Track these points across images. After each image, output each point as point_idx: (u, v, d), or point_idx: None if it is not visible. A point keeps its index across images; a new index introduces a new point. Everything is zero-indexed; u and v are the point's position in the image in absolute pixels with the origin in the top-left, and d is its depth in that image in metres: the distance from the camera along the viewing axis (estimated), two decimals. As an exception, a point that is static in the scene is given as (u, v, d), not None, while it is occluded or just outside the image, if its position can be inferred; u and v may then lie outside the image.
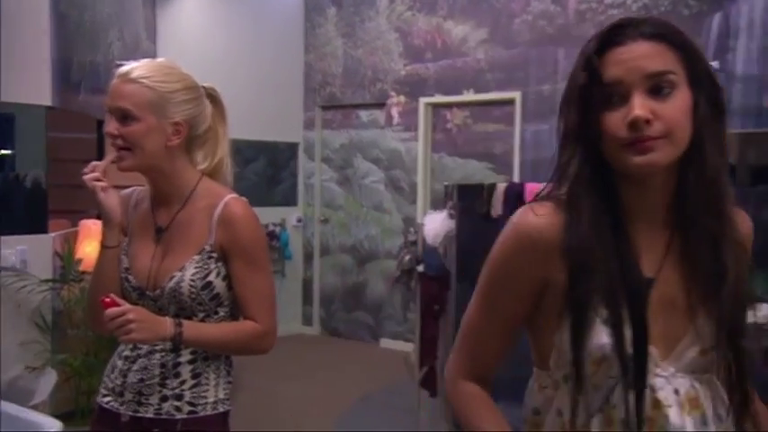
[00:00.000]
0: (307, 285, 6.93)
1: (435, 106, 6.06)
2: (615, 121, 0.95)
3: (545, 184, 1.06)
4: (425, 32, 6.05)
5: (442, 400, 3.76)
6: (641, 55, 0.95)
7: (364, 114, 6.58)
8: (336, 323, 6.76)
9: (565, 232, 1.00)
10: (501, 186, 3.62)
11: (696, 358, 1.01)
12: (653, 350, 1.00)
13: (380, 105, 6.38)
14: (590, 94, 0.97)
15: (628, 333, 0.98)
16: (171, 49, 5.59)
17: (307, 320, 6.92)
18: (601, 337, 0.98)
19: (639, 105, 0.93)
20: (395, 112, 6.27)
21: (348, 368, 5.67)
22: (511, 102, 5.52)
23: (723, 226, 1.00)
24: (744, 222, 1.08)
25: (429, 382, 3.70)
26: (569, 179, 1.01)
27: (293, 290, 6.86)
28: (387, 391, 4.79)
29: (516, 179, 5.28)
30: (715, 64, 4.48)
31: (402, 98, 6.20)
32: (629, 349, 0.97)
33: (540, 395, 1.09)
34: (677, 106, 0.95)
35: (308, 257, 6.92)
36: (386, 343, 6.26)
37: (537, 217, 1.03)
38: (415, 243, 3.68)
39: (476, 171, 5.78)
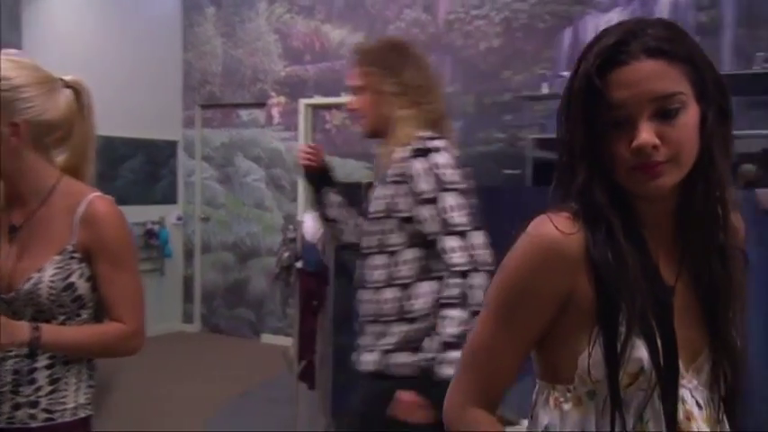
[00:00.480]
0: (187, 283, 6.74)
1: (315, 107, 6.06)
2: (622, 144, 0.89)
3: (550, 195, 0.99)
4: (304, 35, 6.03)
5: (320, 392, 3.77)
6: (646, 77, 0.88)
7: (244, 114, 6.48)
8: (218, 320, 6.61)
9: (591, 247, 0.93)
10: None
11: (710, 371, 0.98)
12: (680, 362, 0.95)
13: (261, 105, 6.30)
14: (595, 114, 0.90)
15: (659, 344, 0.92)
16: (38, 41, 5.21)
17: (187, 318, 6.73)
18: (638, 350, 0.91)
19: (646, 131, 0.87)
20: (275, 112, 6.21)
21: (229, 364, 5.57)
22: (386, 104, 5.60)
23: (728, 236, 0.96)
24: (740, 224, 1.03)
25: (307, 375, 3.69)
26: (581, 194, 0.94)
27: (173, 288, 6.64)
28: (266, 385, 4.75)
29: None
30: (567, 74, 4.74)
31: (282, 99, 6.15)
32: (662, 361, 0.92)
33: (557, 411, 0.98)
34: (685, 127, 0.89)
35: (189, 255, 6.73)
36: (267, 338, 6.21)
37: (566, 228, 0.94)
38: (294, 240, 3.67)
39: (355, 170, 5.81)
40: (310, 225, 3.64)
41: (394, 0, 5.60)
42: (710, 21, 4.41)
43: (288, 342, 4.09)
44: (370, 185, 3.60)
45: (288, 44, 6.11)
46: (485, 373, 1.01)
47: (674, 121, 0.88)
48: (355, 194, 3.63)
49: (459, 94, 5.29)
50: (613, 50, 0.89)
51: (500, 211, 3.44)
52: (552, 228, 0.93)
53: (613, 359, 0.91)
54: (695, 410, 0.96)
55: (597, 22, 4.79)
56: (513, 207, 3.43)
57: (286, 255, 3.69)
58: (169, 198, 6.64)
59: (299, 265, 3.61)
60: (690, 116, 0.89)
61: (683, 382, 0.95)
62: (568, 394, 0.97)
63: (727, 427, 1.00)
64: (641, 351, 0.91)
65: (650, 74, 0.88)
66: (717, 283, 0.96)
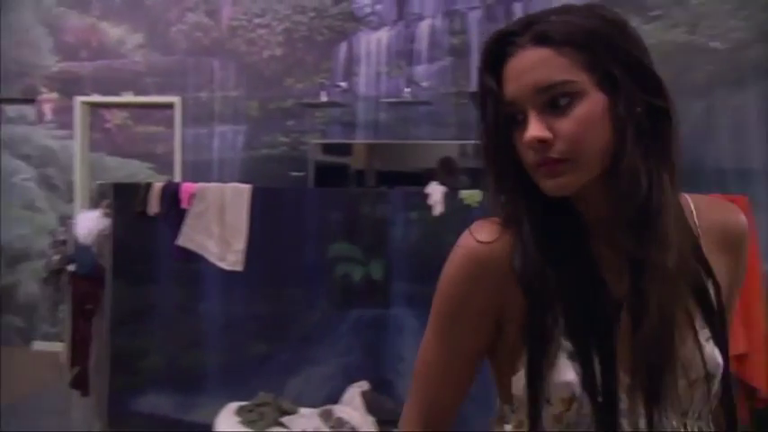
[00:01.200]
0: (-54, 291, 5.88)
1: (93, 105, 5.59)
2: (521, 142, 0.77)
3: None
4: (79, 30, 5.53)
5: (95, 398, 3.49)
6: (529, 66, 0.75)
7: (11, 109, 5.78)
8: (-17, 329, 5.84)
9: (513, 257, 0.80)
10: (158, 185, 3.48)
11: (682, 394, 0.79)
12: (626, 383, 0.79)
13: (30, 101, 5.67)
14: (495, 112, 0.79)
15: (597, 367, 0.77)
16: None
17: (-54, 328, 5.87)
18: (566, 373, 0.77)
19: (533, 125, 0.74)
20: (47, 108, 5.62)
21: (-3, 375, 4.95)
22: (170, 105, 5.35)
23: (666, 249, 0.76)
24: (729, 221, 0.83)
25: (81, 382, 3.40)
26: (493, 199, 0.83)
27: (-72, 296, 5.75)
28: (37, 396, 4.29)
29: (178, 179, 5.16)
30: (344, 84, 4.89)
31: (55, 95, 5.59)
32: (599, 385, 0.77)
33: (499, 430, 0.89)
34: (580, 120, 0.74)
35: (-52, 261, 5.86)
36: (39, 345, 5.60)
37: (484, 236, 0.82)
38: (64, 242, 3.35)
39: (138, 171, 5.47)
40: (84, 226, 3.35)
41: (176, 2, 5.34)
42: (461, 44, 4.78)
43: (61, 348, 3.73)
44: (149, 186, 3.45)
45: (60, 39, 5.56)
46: (430, 395, 0.89)
47: (566, 113, 0.74)
48: (134, 194, 3.44)
49: (243, 98, 5.20)
50: (504, 42, 0.78)
51: (283, 211, 3.49)
52: (472, 238, 0.83)
53: (534, 382, 0.79)
54: None
55: (369, 38, 4.98)
56: (297, 207, 3.50)
57: (56, 258, 3.35)
58: (-77, 199, 5.74)
59: (71, 268, 3.31)
60: (587, 107, 0.74)
61: (633, 404, 0.79)
62: (511, 415, 0.86)
63: None
64: (569, 374, 0.78)
65: (534, 63, 0.75)
66: (658, 300, 0.77)
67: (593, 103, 0.74)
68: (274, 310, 3.35)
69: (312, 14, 5.06)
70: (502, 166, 0.81)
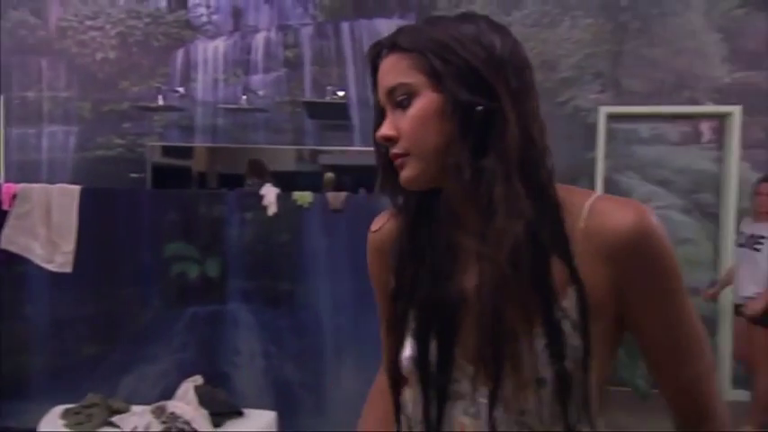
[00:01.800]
0: None
1: None
2: None
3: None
4: None
5: None
6: (384, 71, 0.77)
7: None
8: None
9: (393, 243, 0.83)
10: (-24, 187, 3.13)
11: (513, 394, 0.74)
12: (471, 373, 0.76)
13: None
14: (375, 113, 0.81)
15: (433, 349, 0.77)
16: None
17: None
18: (408, 349, 0.79)
19: (384, 124, 0.77)
20: None
21: None
22: (-6, 104, 4.81)
23: (511, 233, 0.72)
24: (617, 226, 0.74)
25: None
26: (380, 189, 0.83)
27: None
28: None
29: (2, 180, 4.66)
30: (182, 90, 4.69)
31: None
32: (434, 366, 0.77)
33: None
34: (414, 118, 0.75)
35: None
36: None
37: (375, 226, 0.89)
38: None
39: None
40: None
41: (-3, -1, 4.82)
42: (294, 57, 4.79)
43: None
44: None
45: None
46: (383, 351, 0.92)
47: (405, 112, 0.76)
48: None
49: (75, 100, 4.81)
50: (374, 51, 0.80)
51: (116, 212, 3.28)
52: (372, 227, 0.91)
53: (392, 356, 0.82)
54: (472, 422, 0.77)
55: (206, 46, 4.83)
56: (132, 208, 3.30)
57: None
58: None
59: None
60: (419, 106, 0.75)
61: (473, 394, 0.77)
62: None
63: None
64: (408, 351, 0.80)
65: (386, 68, 0.77)
66: (487, 293, 0.74)
67: (426, 103, 0.74)
68: (106, 311, 3.15)
69: (148, 20, 4.81)
70: (382, 162, 0.81)
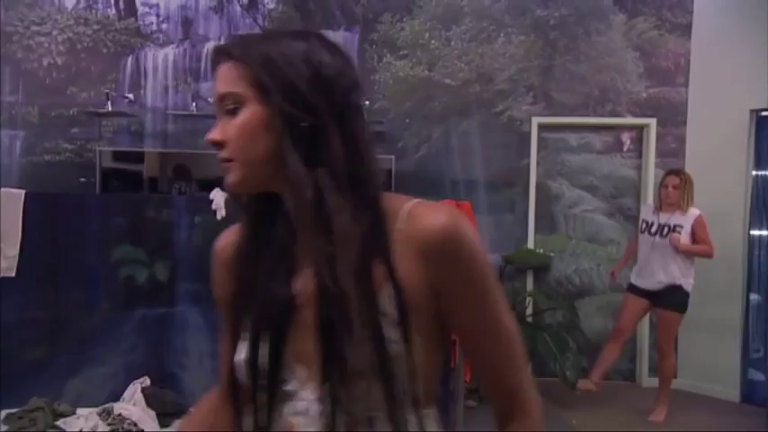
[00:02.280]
0: None
1: None
2: None
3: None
4: None
5: None
6: (217, 77, 0.76)
7: None
8: None
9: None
10: None
11: (341, 385, 0.73)
12: (301, 374, 0.76)
13: None
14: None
15: (264, 352, 0.76)
16: None
17: None
18: (241, 352, 0.78)
19: (214, 128, 0.76)
20: None
21: None
22: (-65, 108, 4.51)
23: (332, 242, 0.73)
24: (428, 228, 0.75)
25: None
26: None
27: None
28: None
29: (-57, 184, 4.37)
30: (131, 96, 4.52)
31: None
32: (264, 368, 0.76)
33: None
34: (239, 126, 0.74)
35: None
36: None
37: (221, 240, 0.87)
38: None
39: None
40: None
41: (-60, 1, 4.54)
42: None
43: None
44: None
45: None
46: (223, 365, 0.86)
47: (232, 120, 0.75)
48: None
49: (21, 104, 4.57)
50: (214, 57, 0.79)
51: (63, 216, 3.12)
52: (219, 238, 0.88)
53: (228, 360, 0.81)
54: (302, 421, 0.77)
55: (155, 54, 4.68)
56: (79, 212, 3.15)
57: None
58: None
59: None
60: (246, 117, 0.74)
61: (302, 393, 0.77)
62: None
63: None
64: (242, 354, 0.79)
65: (219, 75, 0.77)
66: (319, 296, 0.74)
67: (251, 114, 0.74)
68: (52, 315, 2.98)
69: (96, 27, 4.62)
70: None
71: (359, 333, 0.71)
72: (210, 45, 4.68)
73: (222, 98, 0.76)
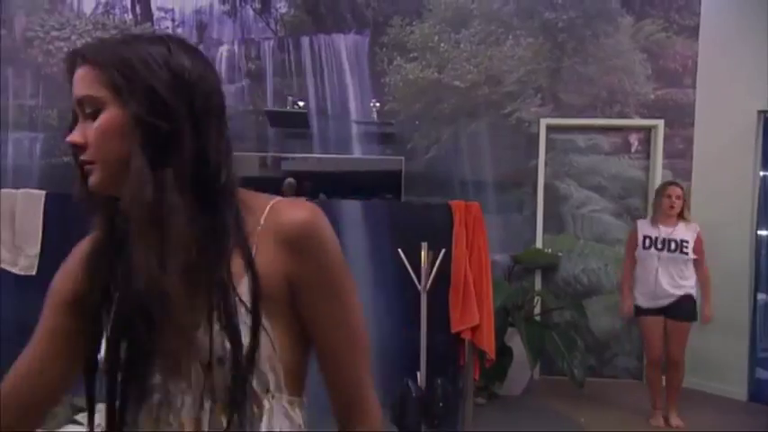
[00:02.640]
0: None
1: None
2: None
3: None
4: None
5: None
6: (77, 80, 0.75)
7: None
8: None
9: None
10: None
11: (201, 373, 0.75)
12: (159, 365, 0.76)
13: None
14: (71, 120, 0.77)
15: (123, 345, 0.75)
16: None
17: None
18: (102, 350, 0.78)
19: (75, 131, 0.75)
20: None
21: None
22: (-42, 111, 4.58)
23: (165, 241, 0.73)
24: (288, 222, 0.78)
25: None
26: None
27: None
28: None
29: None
30: None
31: None
32: (123, 362, 0.75)
33: None
34: (98, 129, 0.74)
35: None
36: None
37: (76, 248, 0.85)
38: None
39: None
40: None
41: (-37, 8, 4.61)
42: (257, 69, 4.72)
43: None
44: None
45: None
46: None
47: (93, 123, 0.75)
48: None
49: (42, 108, 4.62)
50: (70, 60, 0.77)
51: (81, 216, 3.15)
52: (84, 240, 0.85)
53: (88, 358, 0.79)
54: (173, 416, 0.77)
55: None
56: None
57: None
58: None
59: None
60: (104, 119, 0.74)
61: (167, 384, 0.77)
62: None
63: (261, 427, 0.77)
64: (101, 351, 0.79)
65: (77, 78, 0.75)
66: (168, 289, 0.74)
67: (109, 117, 0.74)
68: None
69: (114, 32, 4.65)
70: (75, 164, 0.78)
71: (215, 320, 0.73)
72: (224, 48, 4.72)
73: (80, 101, 0.75)
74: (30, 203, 2.98)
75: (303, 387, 0.82)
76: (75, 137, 0.75)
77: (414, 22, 4.71)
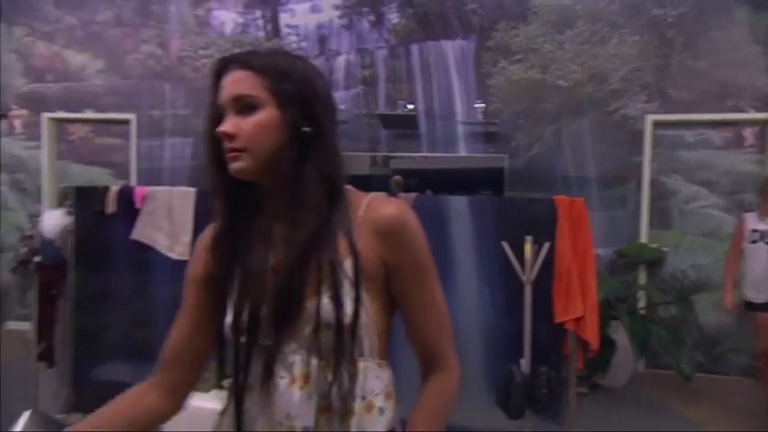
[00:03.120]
0: None
1: (58, 120, 5.24)
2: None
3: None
4: (45, 57, 5.18)
5: (60, 369, 3.30)
6: (232, 81, 0.83)
7: (-17, 123, 5.34)
8: (-42, 313, 5.37)
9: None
10: (114, 188, 3.31)
11: (310, 336, 0.82)
12: (274, 328, 0.83)
13: (2, 116, 5.24)
14: (211, 113, 0.87)
15: (245, 313, 0.83)
16: None
17: None
18: (228, 316, 0.85)
19: (227, 122, 0.83)
20: (17, 123, 5.23)
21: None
22: (127, 122, 5.09)
23: (318, 223, 0.82)
24: (381, 215, 0.86)
25: (47, 356, 3.19)
26: (208, 181, 0.88)
27: None
28: (9, 366, 3.99)
29: (134, 184, 4.93)
30: None
31: (24, 111, 5.20)
32: (245, 326, 0.83)
33: None
34: (255, 123, 0.82)
35: (-77, 254, 5.34)
36: (11, 325, 5.21)
37: (204, 233, 0.94)
38: (31, 237, 3.12)
39: (99, 176, 5.17)
40: (49, 223, 3.14)
41: (131, 35, 5.09)
42: (370, 76, 4.80)
43: (30, 327, 3.48)
44: (106, 189, 3.27)
45: (29, 64, 5.19)
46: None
47: (247, 117, 0.83)
48: (93, 196, 3.27)
49: (191, 116, 5.02)
50: (221, 65, 0.87)
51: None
52: (205, 230, 0.95)
53: (218, 324, 0.87)
54: (284, 371, 0.83)
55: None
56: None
57: (23, 250, 3.12)
58: None
59: (37, 259, 3.09)
60: (263, 117, 0.83)
61: (281, 346, 0.83)
62: None
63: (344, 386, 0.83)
64: (228, 317, 0.86)
65: (234, 79, 0.84)
66: (289, 263, 0.82)
67: (266, 114, 0.83)
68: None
69: (249, 48, 4.93)
70: (211, 153, 0.87)
71: (324, 292, 0.81)
72: (342, 58, 4.85)
73: (237, 98, 0.83)
74: (183, 199, 3.24)
75: (388, 352, 0.89)
76: (228, 127, 0.82)
77: (518, 26, 4.56)
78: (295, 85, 0.84)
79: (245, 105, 0.83)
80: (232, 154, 0.83)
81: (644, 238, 4.38)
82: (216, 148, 0.85)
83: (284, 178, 0.84)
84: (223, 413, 0.92)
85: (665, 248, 4.38)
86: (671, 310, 4.25)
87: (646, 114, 4.35)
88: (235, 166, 0.83)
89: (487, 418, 2.72)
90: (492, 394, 2.59)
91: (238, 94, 0.83)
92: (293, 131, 0.84)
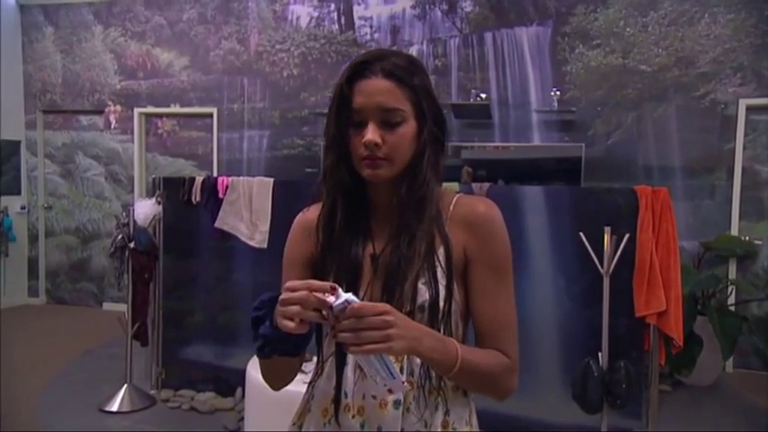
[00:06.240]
0: (32, 263, 5.89)
1: (148, 115, 5.58)
2: (356, 139, 0.86)
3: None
4: (137, 56, 5.51)
5: (152, 347, 3.53)
6: (379, 91, 0.85)
7: (84, 119, 5.78)
8: (62, 293, 5.87)
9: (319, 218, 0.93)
10: (199, 179, 3.50)
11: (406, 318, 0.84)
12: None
13: (99, 112, 5.66)
14: (344, 114, 0.87)
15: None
16: None
17: (33, 292, 5.90)
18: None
19: (372, 131, 0.84)
20: (112, 118, 5.62)
21: (73, 330, 4.98)
22: (210, 115, 5.34)
23: (422, 222, 0.88)
24: (470, 212, 0.91)
25: (140, 335, 3.43)
26: (325, 174, 0.92)
27: (18, 267, 5.78)
28: (106, 345, 4.33)
29: (215, 174, 5.16)
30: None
31: (118, 107, 5.58)
32: None
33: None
34: (402, 136, 0.86)
35: (33, 239, 5.88)
36: (108, 306, 5.65)
37: (306, 213, 0.98)
38: (126, 224, 3.36)
39: (184, 167, 5.47)
40: (142, 212, 3.36)
41: (213, 33, 5.32)
42: (442, 65, 4.76)
43: (125, 308, 3.75)
44: (192, 179, 3.46)
45: (122, 62, 5.55)
46: None
47: (394, 129, 0.86)
48: (180, 186, 3.46)
49: (267, 109, 5.19)
50: (360, 67, 0.86)
51: (298, 200, 3.49)
52: (303, 214, 1.00)
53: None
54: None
55: (369, 61, 4.94)
56: (309, 197, 3.51)
57: (119, 237, 3.36)
58: (13, 190, 5.74)
59: (131, 245, 3.32)
60: (407, 129, 0.87)
61: None
62: None
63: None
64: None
65: (382, 89, 0.85)
66: (397, 256, 0.87)
67: (410, 127, 0.88)
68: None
69: (323, 41, 5.04)
70: (339, 154, 0.89)
71: (420, 278, 0.86)
72: (414, 48, 4.83)
73: (385, 111, 0.85)
74: (262, 188, 3.37)
75: (467, 339, 0.94)
76: (375, 137, 0.85)
77: (598, 9, 4.36)
78: (432, 100, 0.90)
79: (391, 117, 0.85)
80: (374, 161, 0.86)
81: (735, 230, 4.09)
82: (346, 148, 0.88)
83: (408, 181, 0.88)
84: (311, 383, 0.97)
85: (757, 241, 4.07)
86: (765, 307, 3.95)
87: (739, 98, 4.05)
88: (375, 173, 0.87)
89: (563, 411, 2.66)
90: (568, 387, 2.52)
91: (387, 107, 0.85)
92: (426, 141, 0.89)
